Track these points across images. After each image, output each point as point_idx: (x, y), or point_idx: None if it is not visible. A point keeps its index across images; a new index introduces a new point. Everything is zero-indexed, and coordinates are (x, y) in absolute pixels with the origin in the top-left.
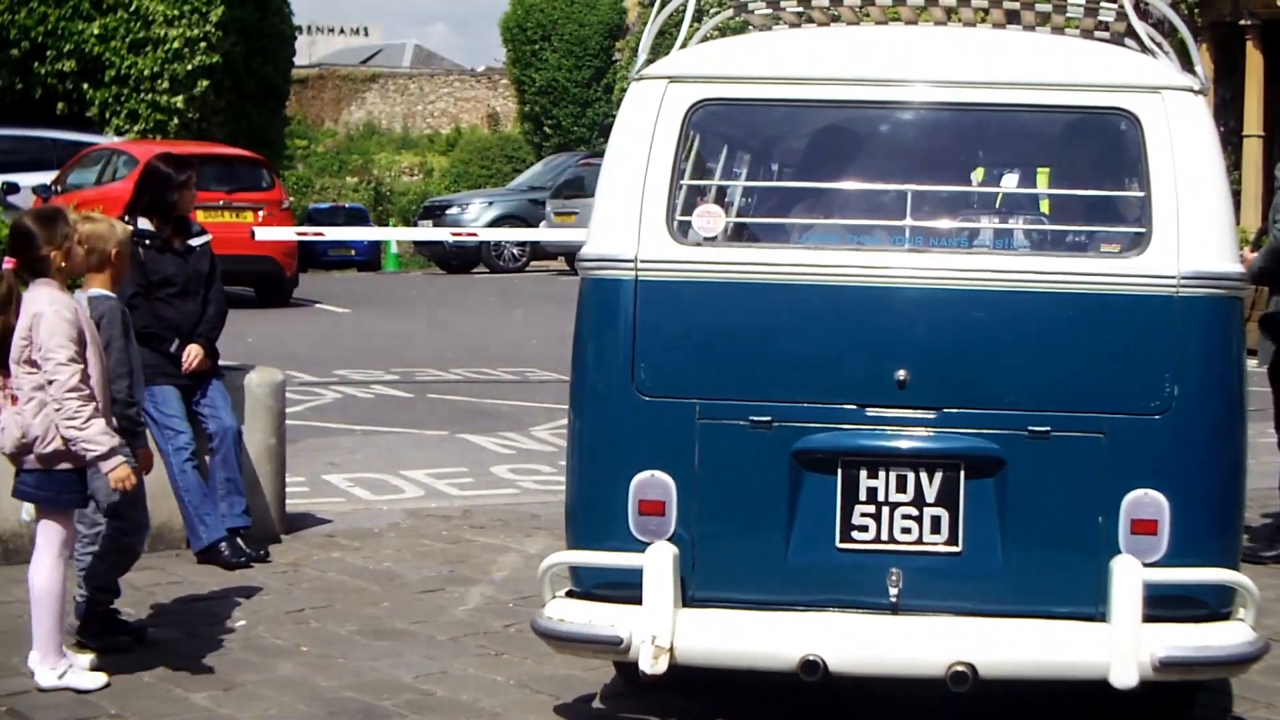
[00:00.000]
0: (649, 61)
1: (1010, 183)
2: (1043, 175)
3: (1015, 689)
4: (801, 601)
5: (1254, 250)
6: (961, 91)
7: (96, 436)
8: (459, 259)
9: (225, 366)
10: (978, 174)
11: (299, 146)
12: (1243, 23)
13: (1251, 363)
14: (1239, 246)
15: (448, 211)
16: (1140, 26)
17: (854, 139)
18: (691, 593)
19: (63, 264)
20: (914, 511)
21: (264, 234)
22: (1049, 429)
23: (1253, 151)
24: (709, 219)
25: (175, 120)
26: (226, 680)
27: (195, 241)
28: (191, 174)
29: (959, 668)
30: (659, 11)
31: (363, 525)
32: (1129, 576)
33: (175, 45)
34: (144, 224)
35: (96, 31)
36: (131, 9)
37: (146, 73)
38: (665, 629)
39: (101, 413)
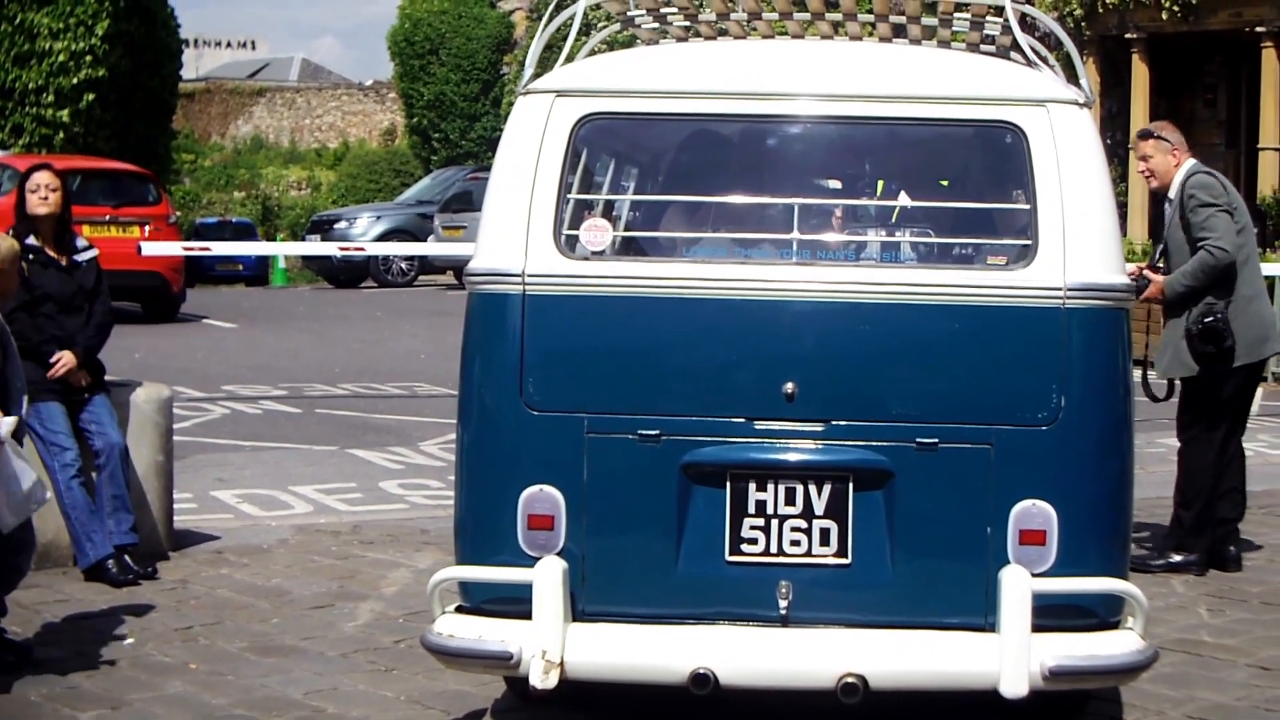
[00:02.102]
0: (536, 75)
1: (897, 196)
2: (930, 188)
3: (907, 700)
4: (692, 615)
5: (1150, 269)
6: (848, 105)
7: None
8: (347, 273)
9: (111, 382)
10: (864, 187)
11: (186, 161)
12: (1129, 36)
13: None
14: (1127, 260)
15: (335, 226)
16: (1025, 40)
17: (741, 153)
18: (581, 607)
19: None
20: (803, 524)
21: (150, 249)
22: (937, 441)
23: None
24: (596, 233)
25: (61, 134)
26: (115, 699)
27: (81, 257)
28: (32, 174)
29: (849, 679)
30: (546, 25)
31: (251, 541)
32: (1018, 587)
33: (60, 59)
34: (31, 240)
35: None
36: (16, 22)
37: (31, 86)
38: (555, 643)
39: None
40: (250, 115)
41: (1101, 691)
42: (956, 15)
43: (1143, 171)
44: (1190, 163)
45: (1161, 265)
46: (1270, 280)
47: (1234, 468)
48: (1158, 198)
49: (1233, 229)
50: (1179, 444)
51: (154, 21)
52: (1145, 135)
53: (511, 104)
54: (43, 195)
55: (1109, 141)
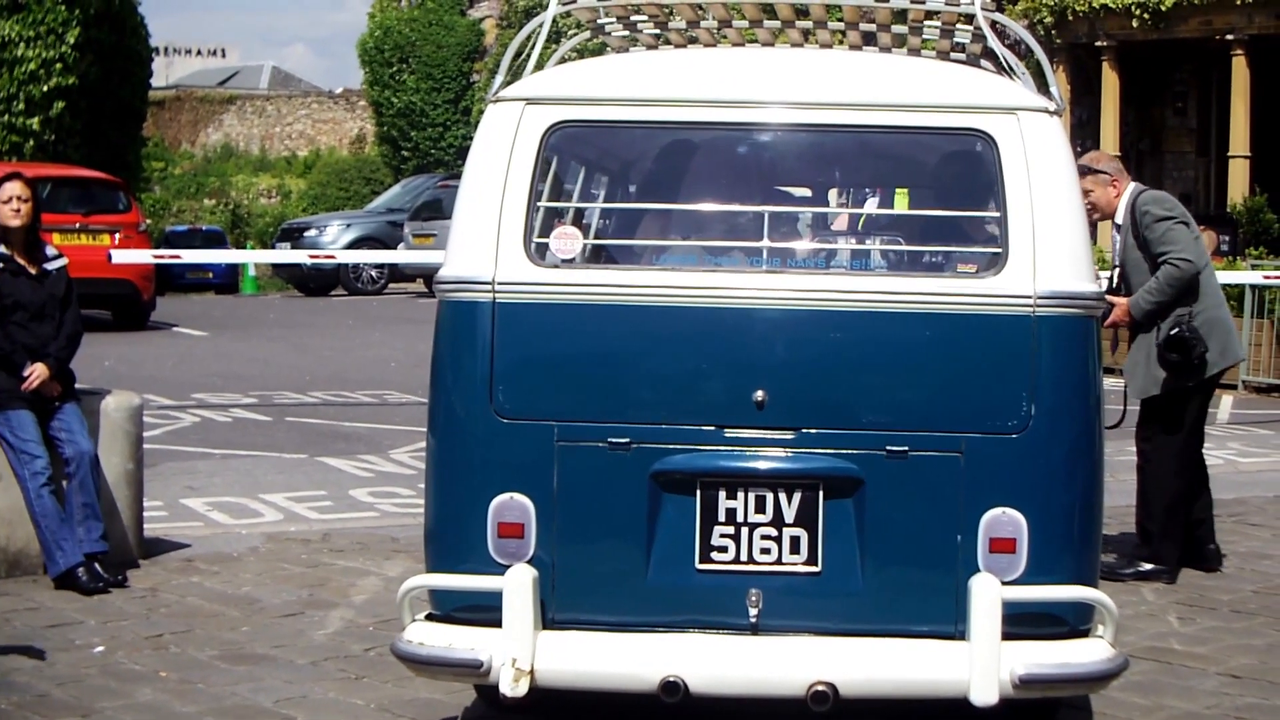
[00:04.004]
0: (506, 83)
1: (867, 204)
2: (900, 196)
3: (878, 708)
4: (662, 623)
5: (1110, 294)
6: (818, 113)
7: None
8: (317, 281)
9: (82, 390)
10: (835, 195)
11: (156, 168)
12: (1099, 44)
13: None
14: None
15: (305, 233)
16: (996, 47)
17: (711, 160)
18: (552, 615)
19: None
20: (773, 532)
21: (121, 256)
22: (907, 448)
23: None
24: (566, 241)
25: (31, 142)
26: (85, 707)
27: (51, 265)
28: (3, 184)
29: (819, 687)
30: (517, 33)
31: (221, 549)
32: (988, 595)
33: (31, 67)
34: (1, 249)
35: None
36: None
37: (2, 95)
38: (525, 651)
39: None
40: (220, 123)
41: (1072, 700)
42: (927, 23)
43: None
44: (1133, 186)
45: (1120, 289)
46: (1242, 288)
47: (1201, 472)
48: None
49: (1192, 239)
50: (1138, 454)
51: (124, 29)
52: (1083, 171)
53: (481, 112)
54: (15, 207)
55: (1079, 150)
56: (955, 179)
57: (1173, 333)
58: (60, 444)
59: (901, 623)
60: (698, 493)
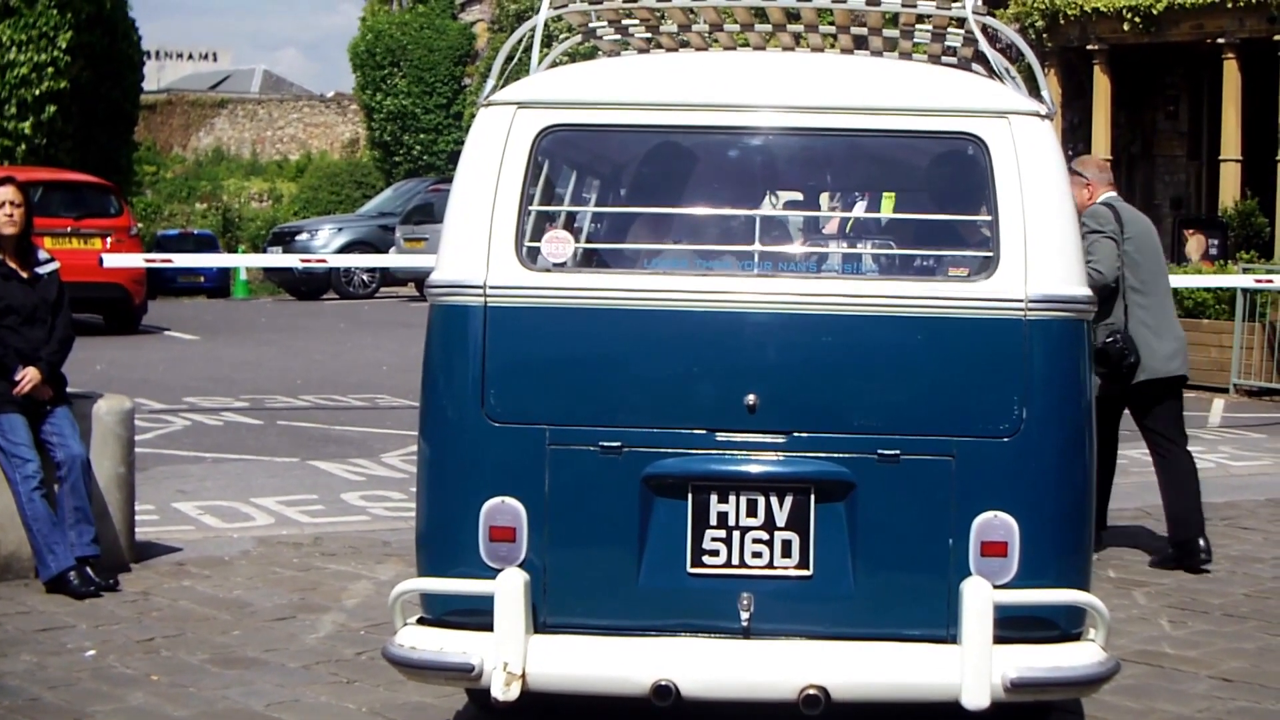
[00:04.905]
0: (498, 87)
1: (859, 208)
2: (891, 200)
3: (869, 712)
4: (653, 626)
5: None
6: (809, 117)
7: None
8: (308, 285)
9: (73, 394)
10: (827, 199)
11: (147, 172)
12: (1090, 47)
13: None
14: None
15: (297, 237)
16: (988, 51)
17: (703, 164)
18: (543, 619)
19: None
20: (764, 535)
21: (112, 260)
22: (898, 452)
23: None
24: (558, 245)
25: (23, 146)
26: (77, 711)
27: (43, 270)
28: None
29: (811, 691)
30: (509, 38)
31: (213, 553)
32: (979, 598)
33: (23, 71)
34: None
35: None
36: None
37: None
38: (517, 655)
39: None
40: (212, 127)
41: (1063, 703)
42: (918, 27)
43: None
44: (1104, 196)
45: None
46: (1233, 292)
47: (1192, 479)
48: None
49: (1114, 254)
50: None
51: (115, 33)
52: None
53: (473, 116)
54: (7, 213)
55: (1070, 153)
56: (947, 182)
57: (1107, 341)
58: (52, 448)
59: (893, 626)
60: (689, 496)
